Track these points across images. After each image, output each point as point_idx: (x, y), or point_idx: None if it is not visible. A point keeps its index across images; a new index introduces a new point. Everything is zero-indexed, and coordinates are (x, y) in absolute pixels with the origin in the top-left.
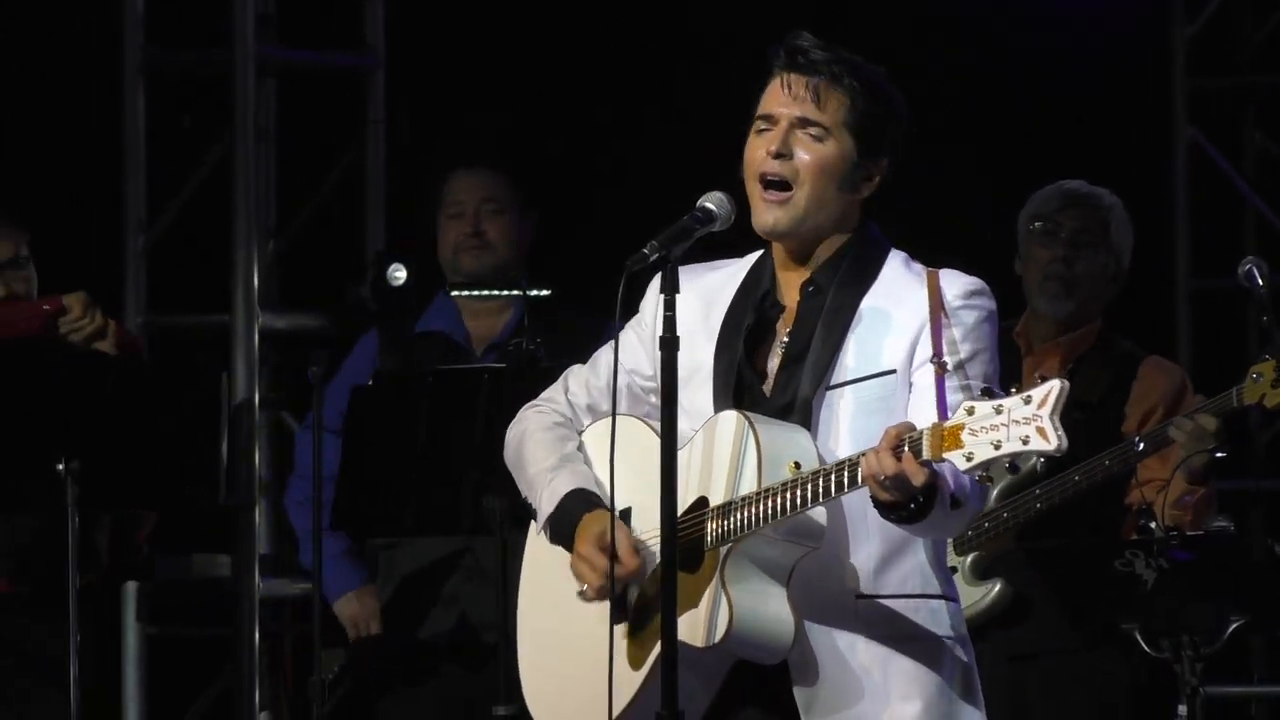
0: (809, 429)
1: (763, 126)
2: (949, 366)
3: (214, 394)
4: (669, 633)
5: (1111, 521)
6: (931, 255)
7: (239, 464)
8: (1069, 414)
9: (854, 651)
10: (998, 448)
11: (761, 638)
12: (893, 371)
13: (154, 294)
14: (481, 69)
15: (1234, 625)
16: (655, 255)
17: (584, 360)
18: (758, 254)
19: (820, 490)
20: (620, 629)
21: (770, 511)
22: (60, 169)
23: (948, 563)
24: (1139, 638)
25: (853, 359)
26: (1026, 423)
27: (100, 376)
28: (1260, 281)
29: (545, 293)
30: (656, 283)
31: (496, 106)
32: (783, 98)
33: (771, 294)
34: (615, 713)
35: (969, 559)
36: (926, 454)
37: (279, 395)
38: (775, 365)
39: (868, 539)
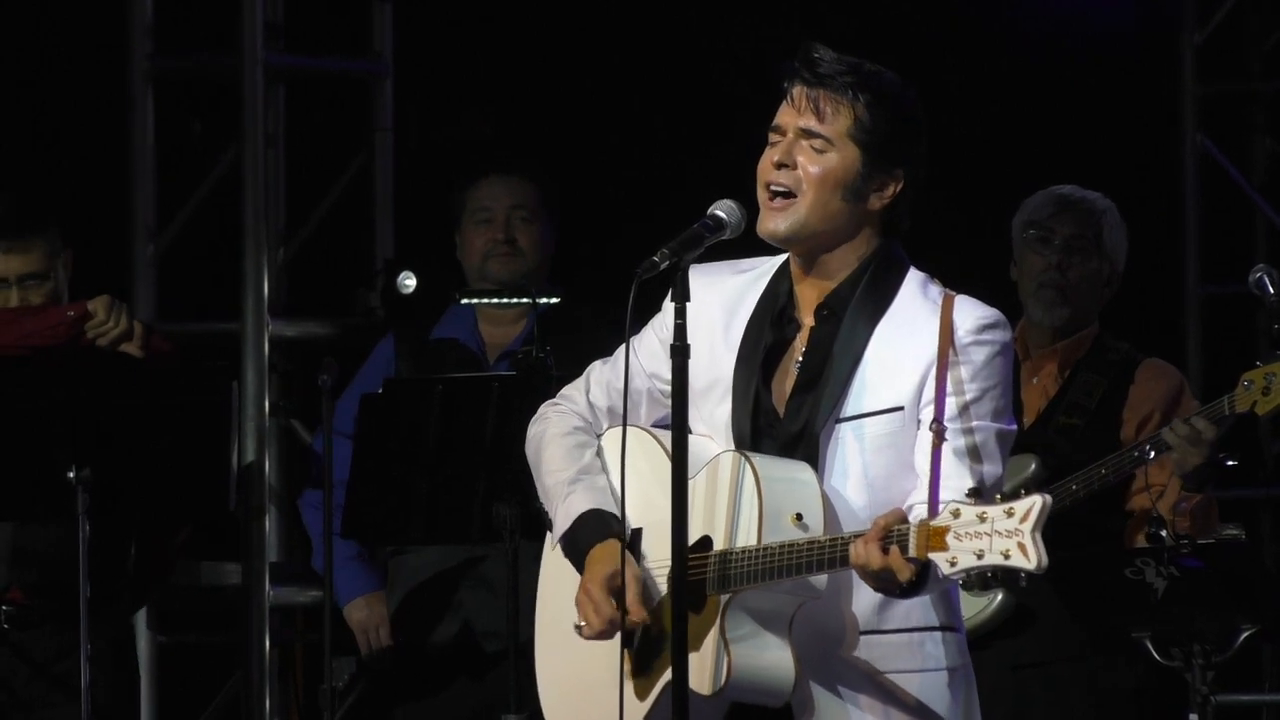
0: (816, 461)
1: (773, 139)
2: (948, 427)
3: (224, 401)
4: (680, 674)
5: (1110, 529)
6: (937, 263)
7: (249, 471)
8: (1066, 420)
9: (857, 687)
10: (980, 557)
11: (761, 686)
12: (901, 408)
13: (163, 301)
14: (489, 76)
15: (1245, 633)
16: (666, 263)
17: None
18: (780, 260)
19: (814, 563)
20: (626, 660)
21: (766, 573)
22: (69, 176)
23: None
24: (1149, 646)
25: (863, 391)
26: (1009, 536)
27: (110, 385)
28: (1271, 289)
29: (555, 300)
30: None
31: (511, 113)
32: (789, 110)
33: (789, 310)
34: None
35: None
36: (913, 551)
37: (288, 402)
38: (789, 389)
39: None
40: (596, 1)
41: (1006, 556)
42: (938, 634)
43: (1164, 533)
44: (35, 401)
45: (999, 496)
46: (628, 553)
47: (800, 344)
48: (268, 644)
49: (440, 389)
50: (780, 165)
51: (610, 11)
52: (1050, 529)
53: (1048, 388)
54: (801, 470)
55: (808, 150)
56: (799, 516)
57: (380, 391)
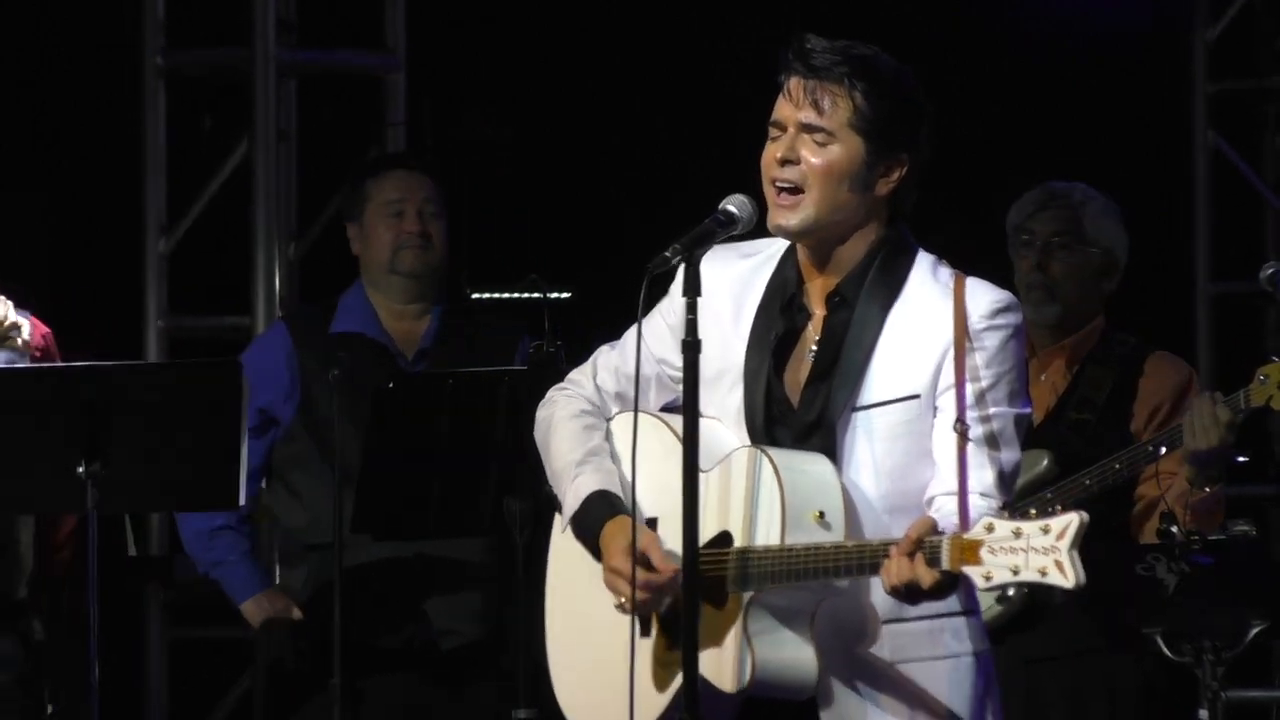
0: (833, 451)
1: (774, 133)
2: (970, 418)
3: (234, 397)
4: (690, 672)
5: (1122, 523)
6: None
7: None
8: (1076, 415)
9: (879, 676)
10: (1015, 573)
11: (784, 682)
12: (916, 396)
13: (174, 297)
14: (502, 70)
15: (1255, 629)
16: (677, 258)
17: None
18: (786, 243)
19: (841, 569)
20: (643, 647)
21: (790, 574)
22: (81, 172)
23: None
24: (1160, 642)
25: (878, 380)
26: (1045, 553)
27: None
28: None
29: (566, 295)
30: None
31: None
32: (788, 104)
33: (799, 298)
34: None
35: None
36: (945, 565)
37: None
38: (803, 379)
39: None
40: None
41: (1044, 574)
42: (959, 619)
43: (1175, 528)
44: (46, 397)
45: (1033, 511)
46: (642, 525)
47: (813, 332)
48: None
49: (450, 384)
50: (785, 162)
51: (621, 5)
52: None
53: (1057, 384)
54: (821, 464)
55: (810, 144)
56: (821, 515)
57: (390, 386)
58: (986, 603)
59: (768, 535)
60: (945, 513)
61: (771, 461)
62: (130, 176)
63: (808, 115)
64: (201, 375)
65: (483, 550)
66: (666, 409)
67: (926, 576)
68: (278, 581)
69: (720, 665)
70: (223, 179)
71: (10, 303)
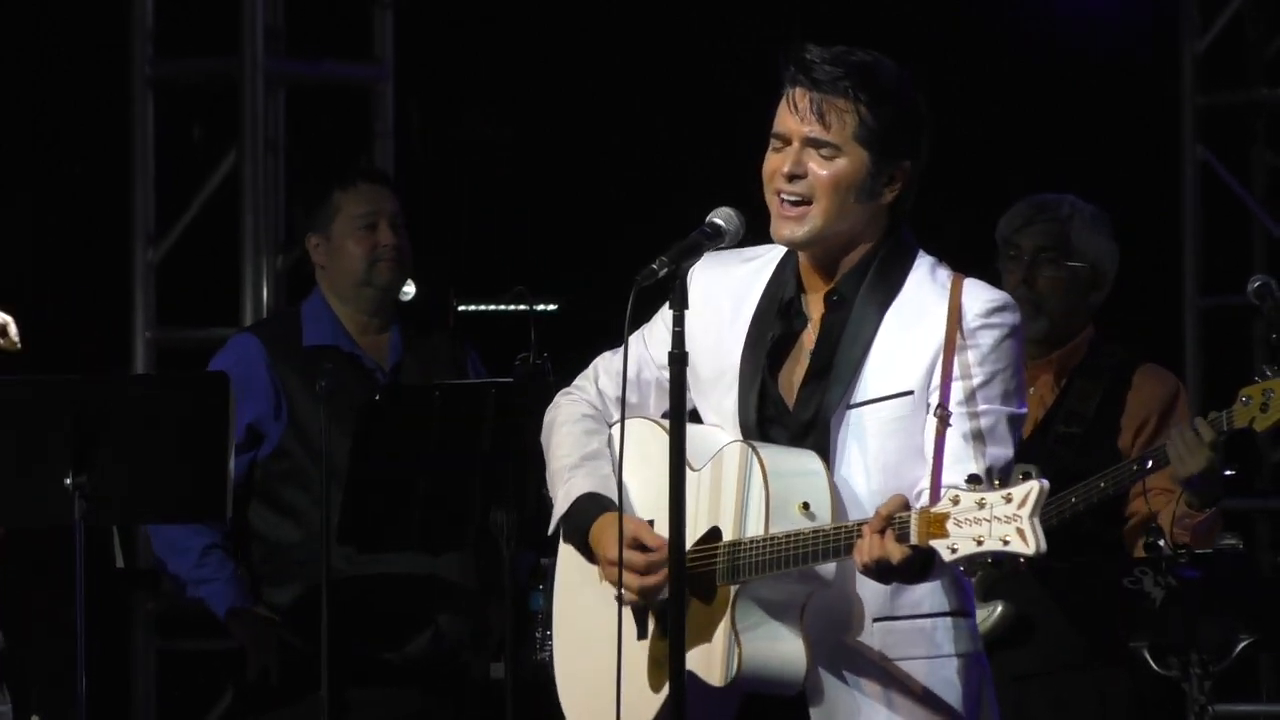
0: (827, 448)
1: (777, 144)
2: (952, 410)
3: (222, 408)
4: (678, 665)
5: (1111, 539)
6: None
7: None
8: (1064, 428)
9: (870, 674)
10: (979, 543)
11: (773, 675)
12: (910, 393)
13: (163, 307)
14: (490, 80)
15: (1243, 643)
16: (664, 270)
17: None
18: (784, 248)
19: (820, 552)
20: (640, 649)
21: (774, 563)
22: (68, 182)
23: None
24: (1147, 656)
25: (873, 378)
26: (1007, 521)
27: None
28: (1271, 299)
29: (552, 307)
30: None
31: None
32: (792, 116)
33: (797, 302)
34: None
35: (972, 580)
36: (914, 539)
37: None
38: (799, 379)
39: None
40: (597, 3)
41: (1006, 542)
42: (949, 619)
43: (1162, 542)
44: (34, 408)
45: (997, 482)
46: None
47: (811, 334)
48: None
49: (438, 395)
50: (792, 177)
51: (611, 13)
52: (1051, 540)
53: (1044, 397)
54: (809, 459)
55: (816, 158)
56: (806, 505)
57: (377, 398)
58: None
59: (755, 527)
60: (926, 500)
61: (758, 456)
62: (118, 186)
63: (814, 130)
64: (189, 387)
65: (474, 561)
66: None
67: (896, 552)
68: (262, 601)
69: (709, 659)
70: (211, 189)
71: None
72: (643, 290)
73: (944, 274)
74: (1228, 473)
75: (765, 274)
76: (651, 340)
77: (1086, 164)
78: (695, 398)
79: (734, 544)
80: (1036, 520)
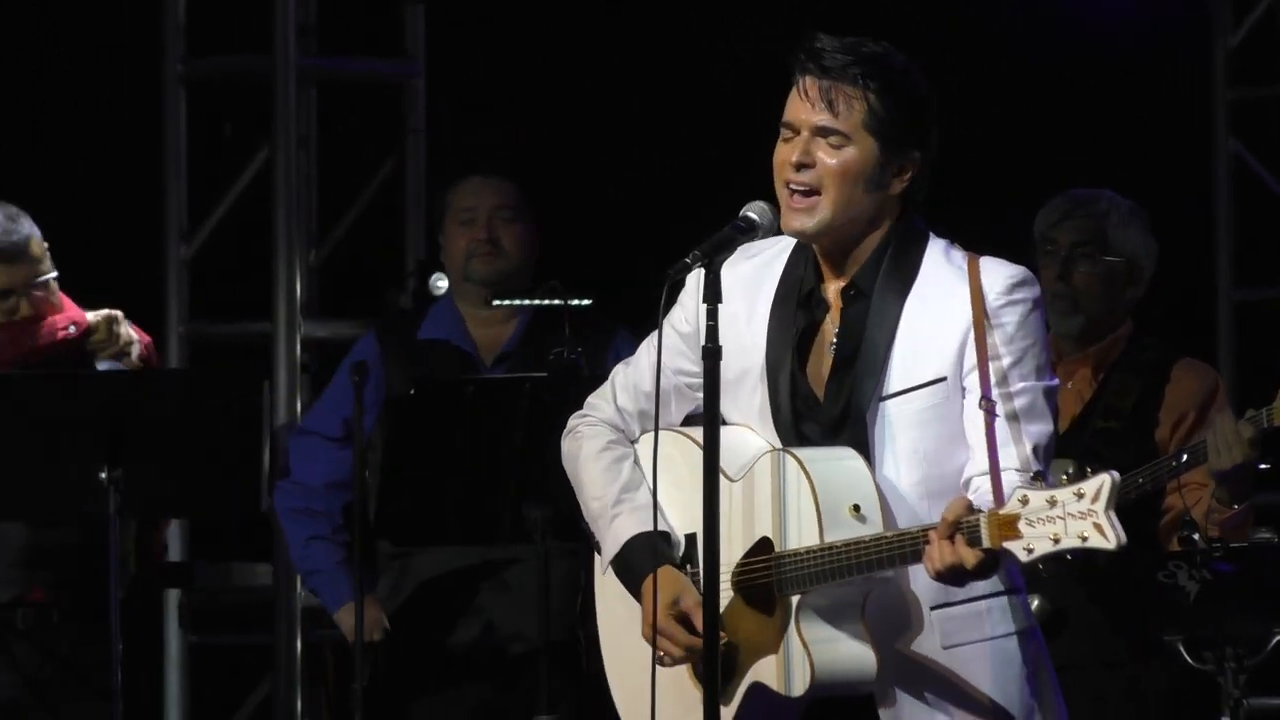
0: (865, 442)
1: (786, 134)
2: (995, 395)
3: (255, 403)
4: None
5: (1149, 531)
6: None
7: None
8: (1103, 423)
9: (932, 662)
10: (1056, 542)
11: (845, 678)
12: (943, 379)
13: (195, 303)
14: (521, 77)
15: (1277, 637)
16: (697, 264)
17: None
18: (794, 241)
19: (884, 560)
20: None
21: (835, 572)
22: (101, 179)
23: None
24: (1182, 649)
25: (903, 367)
26: (1082, 518)
27: (143, 386)
28: None
29: (587, 302)
30: (692, 281)
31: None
32: (801, 105)
33: (817, 291)
34: None
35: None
36: (986, 543)
37: None
38: (825, 372)
39: None
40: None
41: (1084, 539)
42: (1004, 599)
43: (1196, 536)
44: (69, 403)
45: (1064, 478)
46: (684, 577)
47: (832, 326)
48: (298, 645)
49: (471, 390)
50: (800, 166)
51: (643, 10)
52: None
53: (1082, 392)
54: (851, 458)
55: (825, 147)
56: (856, 508)
57: (411, 393)
58: None
59: (807, 536)
60: (982, 493)
61: (798, 460)
62: (151, 183)
63: (822, 118)
64: (223, 382)
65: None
66: (690, 418)
67: (970, 557)
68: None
69: (780, 671)
70: (243, 185)
71: (124, 319)
72: (673, 285)
73: (959, 255)
74: (1262, 466)
75: (776, 267)
76: (664, 348)
77: (1120, 158)
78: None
79: (790, 554)
80: (1113, 513)
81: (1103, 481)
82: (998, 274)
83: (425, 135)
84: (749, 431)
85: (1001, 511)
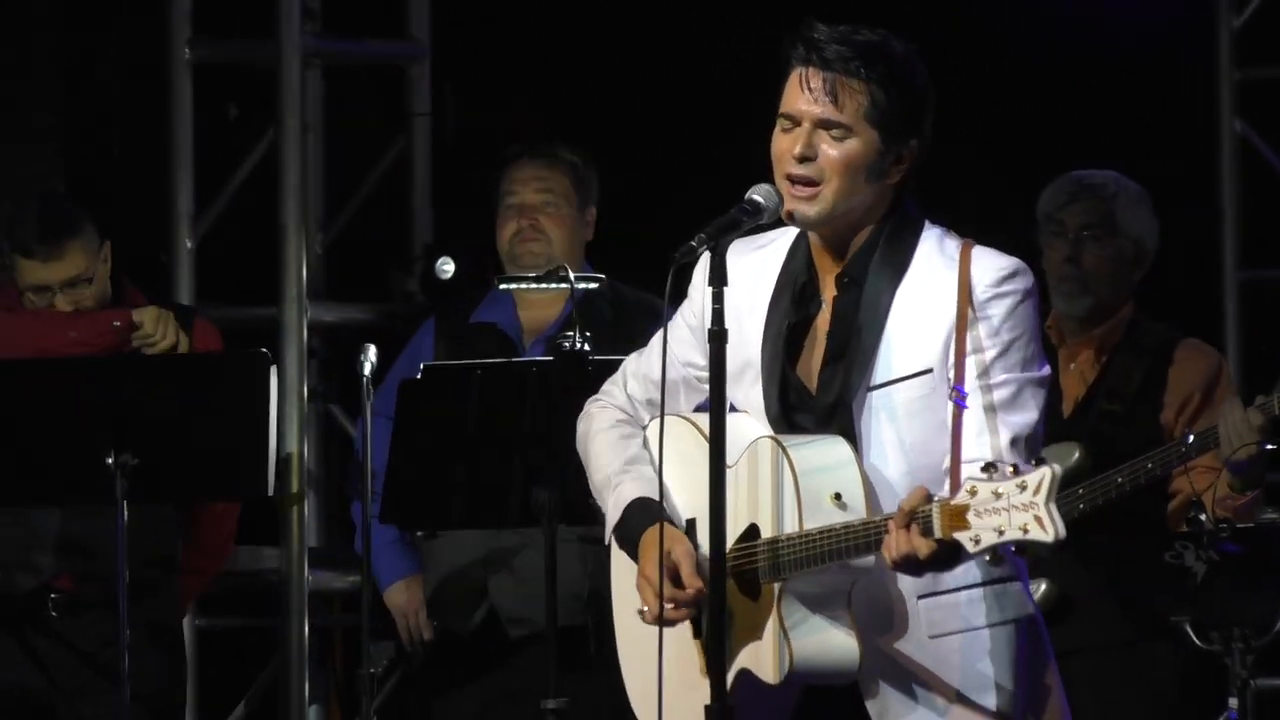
0: (852, 432)
1: (786, 125)
2: (971, 386)
3: (262, 387)
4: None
5: (1156, 513)
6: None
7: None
8: (1107, 405)
9: (921, 652)
10: (1001, 534)
11: (826, 667)
12: (929, 371)
13: (202, 287)
14: (527, 58)
15: None
16: (703, 247)
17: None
18: (794, 231)
19: (854, 547)
20: (696, 645)
21: (810, 559)
22: (107, 163)
23: None
24: (1189, 630)
25: (892, 357)
26: (1025, 509)
27: (150, 370)
28: None
29: (593, 285)
30: (700, 273)
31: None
32: (803, 97)
33: (810, 286)
34: None
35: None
36: (937, 533)
37: (327, 388)
38: (818, 364)
39: None
40: None
41: (1025, 531)
42: (994, 588)
43: (1203, 516)
44: (77, 387)
45: (1011, 470)
46: (680, 533)
47: (825, 317)
48: (306, 629)
49: (479, 374)
50: (803, 159)
51: None
52: (1093, 515)
53: (1085, 374)
54: (838, 447)
55: (827, 139)
56: (838, 496)
57: (419, 376)
58: None
59: (788, 523)
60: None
61: (783, 448)
62: (158, 166)
63: (825, 111)
64: (230, 365)
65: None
66: (700, 409)
67: (923, 547)
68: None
69: (761, 657)
70: (249, 169)
71: (173, 321)
72: (679, 270)
73: (952, 244)
74: (1269, 447)
75: (777, 260)
76: (674, 337)
77: (1125, 140)
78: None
79: (773, 541)
80: (1053, 506)
81: (1044, 474)
82: (988, 265)
83: (431, 118)
84: (750, 419)
85: (952, 502)
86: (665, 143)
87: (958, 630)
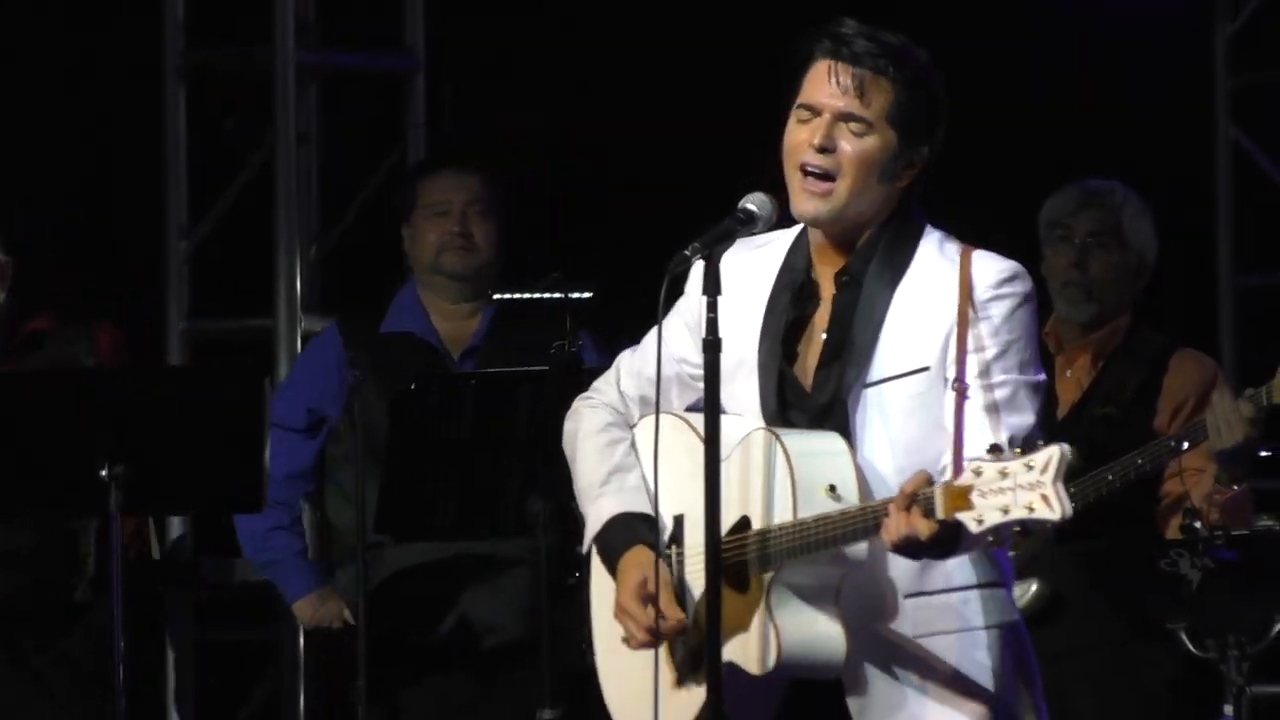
0: (848, 429)
1: (805, 115)
2: (969, 384)
3: (256, 399)
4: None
5: (1147, 510)
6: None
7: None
8: (1101, 410)
9: (904, 652)
10: (1005, 513)
11: (813, 659)
12: (926, 369)
13: (196, 298)
14: (522, 70)
15: None
16: (697, 257)
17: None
18: (795, 231)
19: (849, 534)
20: (679, 645)
21: (803, 548)
22: (101, 174)
23: None
24: (1184, 638)
25: (888, 355)
26: (1031, 489)
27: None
28: None
29: (588, 295)
30: (696, 272)
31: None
32: (828, 89)
33: (809, 284)
34: None
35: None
36: (939, 513)
37: None
38: (815, 362)
39: None
40: None
41: (1031, 510)
42: (984, 591)
43: (1198, 524)
44: (70, 400)
45: (1018, 450)
46: (656, 558)
47: (824, 315)
48: (301, 640)
49: (472, 384)
50: (822, 149)
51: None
52: (1084, 515)
53: (1081, 380)
54: (833, 440)
55: (847, 133)
56: (832, 488)
57: (413, 387)
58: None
59: (781, 513)
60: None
61: (778, 439)
62: (151, 178)
63: (850, 104)
64: (225, 378)
65: (525, 549)
66: (691, 409)
67: (923, 527)
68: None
69: (747, 649)
70: (244, 181)
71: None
72: (674, 277)
73: (953, 247)
74: (1263, 453)
75: (776, 259)
76: (669, 335)
77: (1120, 146)
78: None
79: (764, 532)
80: (1060, 484)
81: (1051, 453)
82: (988, 268)
83: (426, 129)
84: (741, 419)
85: (955, 483)
86: (661, 151)
87: (943, 631)
